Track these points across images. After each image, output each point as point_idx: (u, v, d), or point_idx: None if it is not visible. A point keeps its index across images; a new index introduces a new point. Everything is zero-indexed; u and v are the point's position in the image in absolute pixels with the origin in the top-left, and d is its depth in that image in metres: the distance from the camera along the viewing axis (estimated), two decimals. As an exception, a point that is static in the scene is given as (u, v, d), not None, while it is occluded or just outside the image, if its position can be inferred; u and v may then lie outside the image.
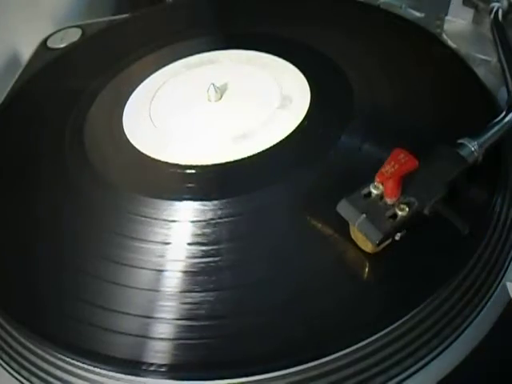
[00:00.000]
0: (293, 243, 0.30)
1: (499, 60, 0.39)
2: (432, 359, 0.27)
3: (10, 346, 0.30)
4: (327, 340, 0.26)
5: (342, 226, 0.29)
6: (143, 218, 0.32)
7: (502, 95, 0.38)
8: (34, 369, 0.29)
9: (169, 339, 0.27)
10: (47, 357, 0.28)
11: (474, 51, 0.44)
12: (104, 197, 0.35)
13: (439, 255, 0.29)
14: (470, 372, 0.28)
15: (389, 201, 0.28)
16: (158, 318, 0.28)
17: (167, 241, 0.31)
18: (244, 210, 0.32)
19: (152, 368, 0.26)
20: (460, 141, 0.31)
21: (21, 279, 0.31)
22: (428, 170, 0.29)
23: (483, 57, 0.43)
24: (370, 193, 0.28)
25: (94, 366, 0.27)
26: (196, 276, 0.29)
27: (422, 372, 0.27)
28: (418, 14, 0.48)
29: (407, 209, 0.27)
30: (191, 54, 0.45)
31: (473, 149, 0.30)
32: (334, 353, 0.26)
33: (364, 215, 0.27)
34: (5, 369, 0.30)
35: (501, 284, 0.30)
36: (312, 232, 0.30)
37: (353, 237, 0.29)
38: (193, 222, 0.32)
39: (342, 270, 0.29)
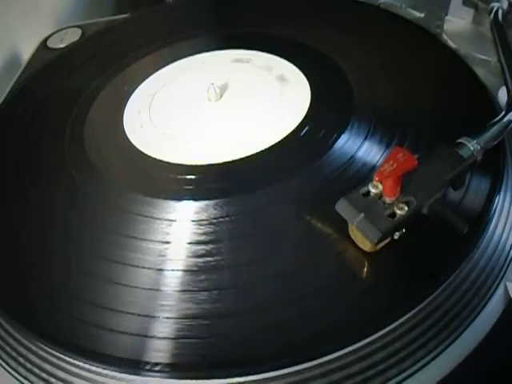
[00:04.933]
0: (292, 243, 0.30)
1: (499, 60, 0.39)
2: (432, 359, 0.27)
3: (10, 346, 0.30)
4: (327, 340, 0.26)
5: (341, 225, 0.29)
6: (143, 218, 0.32)
7: (502, 95, 0.38)
8: (34, 368, 0.29)
9: (169, 338, 0.27)
10: (48, 357, 0.28)
11: (474, 51, 0.44)
12: (104, 196, 0.35)
13: (439, 255, 0.29)
14: (470, 372, 0.27)
15: (387, 200, 0.28)
16: (158, 318, 0.28)
17: (167, 240, 0.31)
18: (244, 210, 0.32)
19: (152, 367, 0.26)
20: (459, 140, 0.31)
21: (20, 279, 0.31)
22: (427, 170, 0.28)
23: (483, 57, 0.43)
24: (368, 192, 0.28)
25: (95, 366, 0.27)
26: (196, 275, 0.29)
27: (422, 372, 0.27)
28: (417, 14, 0.49)
29: (406, 208, 0.27)
30: (191, 54, 0.45)
31: (472, 148, 0.30)
32: (333, 352, 0.26)
33: (363, 214, 0.27)
34: (4, 368, 0.30)
35: (501, 284, 0.30)
36: (311, 231, 0.30)
37: (351, 236, 0.29)
38: (193, 221, 0.32)
39: (341, 269, 0.29)
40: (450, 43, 0.45)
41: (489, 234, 0.30)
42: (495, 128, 0.32)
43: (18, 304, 0.30)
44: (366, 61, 0.42)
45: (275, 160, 0.35)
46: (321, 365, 0.26)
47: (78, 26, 0.54)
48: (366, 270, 0.29)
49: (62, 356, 0.28)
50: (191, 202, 0.33)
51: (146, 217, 0.32)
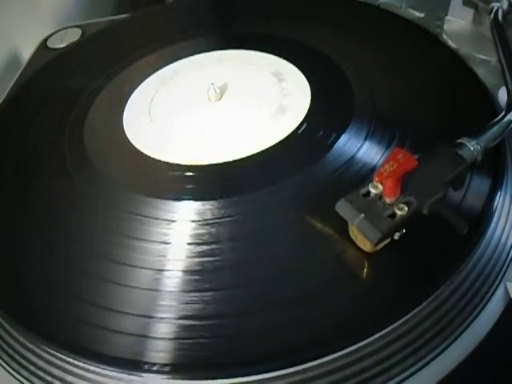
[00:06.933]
0: (292, 243, 0.30)
1: (499, 60, 0.39)
2: (432, 359, 0.27)
3: (10, 346, 0.30)
4: (327, 340, 0.26)
5: (341, 226, 0.29)
6: (143, 218, 0.32)
7: (502, 95, 0.38)
8: (34, 368, 0.29)
9: (169, 339, 0.27)
10: (47, 357, 0.28)
11: (474, 51, 0.44)
12: (104, 197, 0.35)
13: (439, 255, 0.29)
14: (470, 372, 0.28)
15: (388, 200, 0.28)
16: (158, 318, 0.28)
17: (167, 240, 0.31)
18: (244, 210, 0.32)
19: (152, 368, 0.26)
20: (459, 140, 0.31)
21: (20, 279, 0.31)
22: (427, 170, 0.28)
23: (483, 57, 0.43)
24: (368, 192, 0.28)
25: (94, 366, 0.27)
26: (196, 276, 0.29)
27: (422, 372, 0.27)
28: (417, 14, 0.49)
29: (406, 208, 0.27)
30: (191, 54, 0.45)
31: (472, 148, 0.30)
32: (333, 353, 0.26)
33: (363, 215, 0.27)
34: (5, 369, 0.30)
35: (501, 284, 0.30)
36: (311, 232, 0.30)
37: (352, 236, 0.29)
38: (193, 221, 0.32)
39: (341, 269, 0.29)
40: (450, 43, 0.45)
41: (489, 234, 0.30)
42: (495, 128, 0.32)
43: (16, 304, 0.30)
44: (366, 61, 0.42)
45: (275, 160, 0.35)
46: (322, 365, 0.26)
47: (77, 26, 0.54)
48: (366, 270, 0.29)
49: (61, 356, 0.28)
50: (191, 202, 0.33)
51: (146, 217, 0.32)
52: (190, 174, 0.35)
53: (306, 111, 0.37)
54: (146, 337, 0.27)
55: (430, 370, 0.27)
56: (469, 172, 0.31)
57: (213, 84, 0.40)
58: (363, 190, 0.28)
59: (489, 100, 0.37)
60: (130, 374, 0.26)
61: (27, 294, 0.30)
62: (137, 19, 0.54)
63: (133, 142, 0.38)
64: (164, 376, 0.26)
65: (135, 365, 0.26)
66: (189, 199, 0.33)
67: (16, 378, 0.29)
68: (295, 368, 0.26)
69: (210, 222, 0.32)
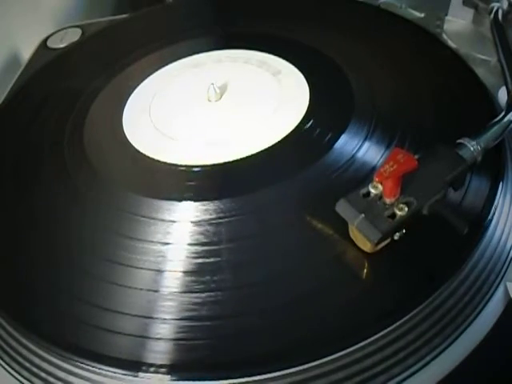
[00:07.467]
0: (292, 243, 0.30)
1: (499, 60, 0.39)
2: (432, 359, 0.27)
3: (10, 346, 0.30)
4: (327, 340, 0.26)
5: (342, 226, 0.29)
6: (143, 218, 0.32)
7: (502, 95, 0.38)
8: (33, 368, 0.29)
9: (168, 339, 0.27)
10: (47, 356, 0.28)
11: (474, 51, 0.44)
12: (104, 197, 0.35)
13: (439, 255, 0.29)
14: (470, 372, 0.28)
15: (388, 200, 0.28)
16: (157, 319, 0.28)
17: (167, 241, 0.31)
18: (244, 210, 0.32)
19: (151, 368, 0.26)
20: (459, 141, 0.31)
21: (20, 279, 0.31)
22: (427, 170, 0.28)
23: (483, 57, 0.43)
24: (368, 192, 0.28)
25: (94, 366, 0.27)
26: (196, 276, 0.29)
27: (422, 372, 0.27)
28: (417, 14, 0.49)
29: (406, 209, 0.27)
30: (191, 54, 0.45)
31: (472, 149, 0.30)
32: (333, 353, 0.26)
33: (363, 215, 0.27)
34: (5, 369, 0.30)
35: (501, 284, 0.30)
36: (311, 232, 0.30)
37: (352, 236, 0.29)
38: (193, 222, 0.32)
39: (341, 269, 0.29)
40: (450, 43, 0.45)
41: (489, 234, 0.30)
42: (495, 128, 0.32)
43: (16, 304, 0.30)
44: (366, 61, 0.41)
45: (275, 160, 0.34)
46: (321, 365, 0.26)
47: (77, 26, 0.54)
48: (366, 270, 0.29)
49: (60, 356, 0.28)
50: (191, 202, 0.33)
51: (146, 218, 0.32)
52: (190, 174, 0.35)
53: (305, 111, 0.37)
54: (145, 337, 0.27)
55: (430, 370, 0.27)
56: (469, 172, 0.31)
57: (213, 84, 0.40)
58: (363, 191, 0.28)
59: (489, 100, 0.37)
60: (129, 375, 0.26)
61: (27, 295, 0.30)
62: (137, 19, 0.54)
63: (132, 142, 0.38)
64: (163, 377, 0.26)
65: (134, 365, 0.26)
66: (189, 199, 0.33)
67: (16, 379, 0.29)
68: (295, 368, 0.26)
69: (209, 222, 0.32)
